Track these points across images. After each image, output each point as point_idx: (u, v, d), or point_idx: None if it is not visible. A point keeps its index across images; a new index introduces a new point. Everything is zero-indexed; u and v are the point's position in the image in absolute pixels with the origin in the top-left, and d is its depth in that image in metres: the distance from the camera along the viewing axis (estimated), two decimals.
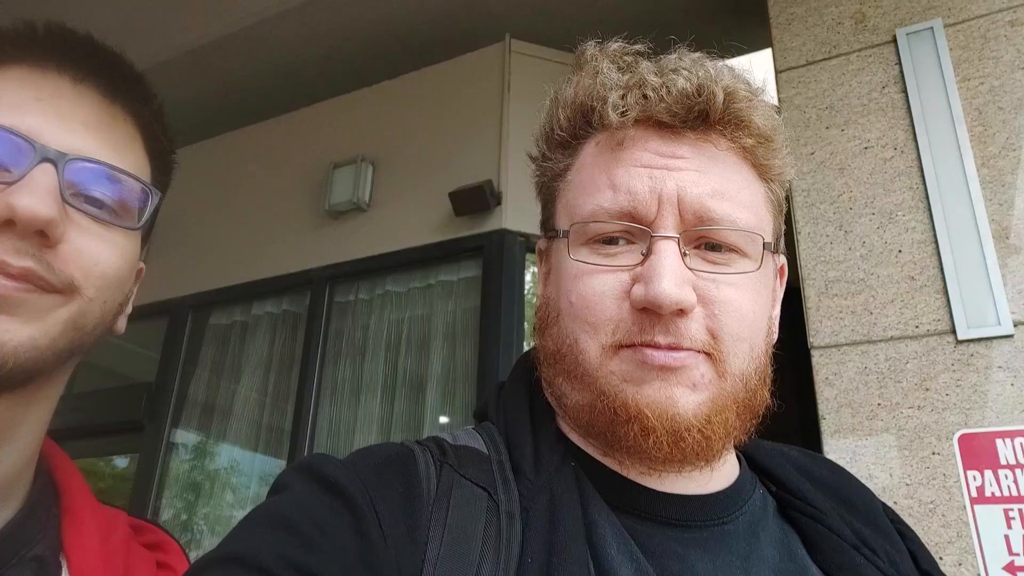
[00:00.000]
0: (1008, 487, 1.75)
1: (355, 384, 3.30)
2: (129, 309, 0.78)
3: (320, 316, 3.45)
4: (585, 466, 0.69)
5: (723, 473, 0.72)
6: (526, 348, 2.97)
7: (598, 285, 0.67)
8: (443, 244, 3.22)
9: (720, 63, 0.72)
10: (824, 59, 2.40)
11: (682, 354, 0.64)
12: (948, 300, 1.98)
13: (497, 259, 3.04)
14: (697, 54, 0.73)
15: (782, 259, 0.77)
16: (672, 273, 0.63)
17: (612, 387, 0.65)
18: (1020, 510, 1.72)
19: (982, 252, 1.97)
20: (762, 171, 0.72)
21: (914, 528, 1.81)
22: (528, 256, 3.11)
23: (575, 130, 0.75)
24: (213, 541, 3.40)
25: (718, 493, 0.70)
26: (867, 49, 2.34)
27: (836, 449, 1.99)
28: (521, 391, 0.77)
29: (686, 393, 0.64)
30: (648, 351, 0.64)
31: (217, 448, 3.63)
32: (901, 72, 2.25)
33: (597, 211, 0.68)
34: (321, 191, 3.62)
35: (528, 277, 3.09)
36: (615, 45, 0.76)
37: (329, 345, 3.41)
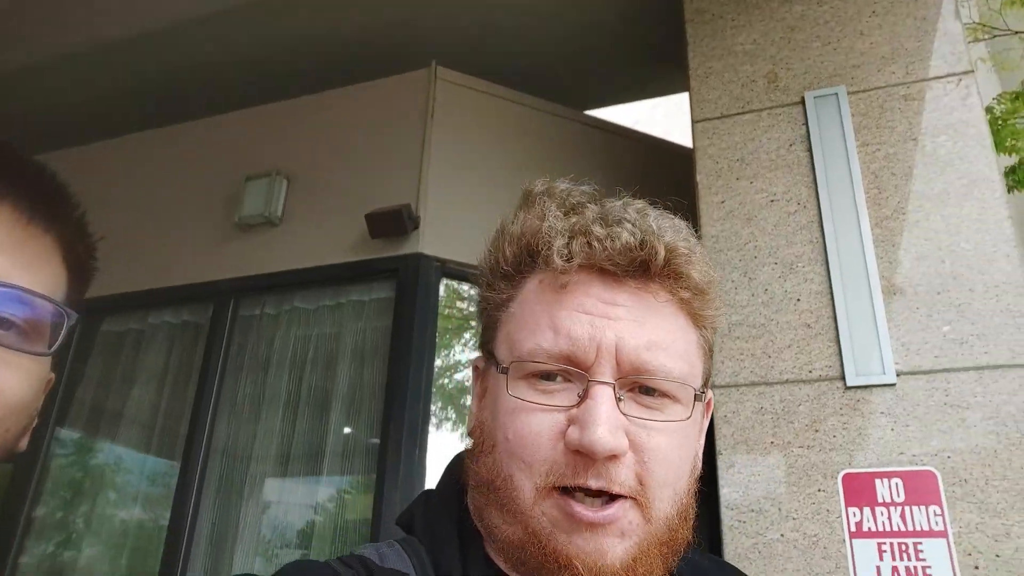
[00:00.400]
0: (883, 523, 1.90)
1: (256, 399, 3.23)
2: (34, 424, 0.73)
3: (223, 329, 3.37)
4: None
5: None
6: (437, 367, 3.02)
7: (535, 424, 0.69)
8: (356, 264, 3.22)
9: (662, 214, 0.76)
10: (738, 113, 2.56)
11: (612, 510, 0.67)
12: (840, 348, 2.13)
13: (412, 282, 3.06)
14: (641, 203, 0.77)
15: (710, 394, 0.81)
16: (607, 420, 0.66)
17: (543, 530, 0.67)
18: (891, 544, 1.87)
19: (872, 305, 2.14)
20: (696, 320, 0.76)
21: (797, 559, 1.94)
22: (443, 280, 3.15)
23: (520, 265, 0.77)
24: (90, 539, 3.27)
25: None
26: (777, 108, 2.52)
27: (730, 483, 2.10)
28: (450, 509, 0.79)
29: (615, 543, 0.67)
30: (578, 508, 0.67)
31: (101, 452, 3.49)
32: (807, 132, 2.43)
33: (536, 351, 0.70)
34: (232, 203, 3.55)
35: (442, 294, 3.12)
36: (563, 186, 0.80)
37: (230, 359, 3.34)
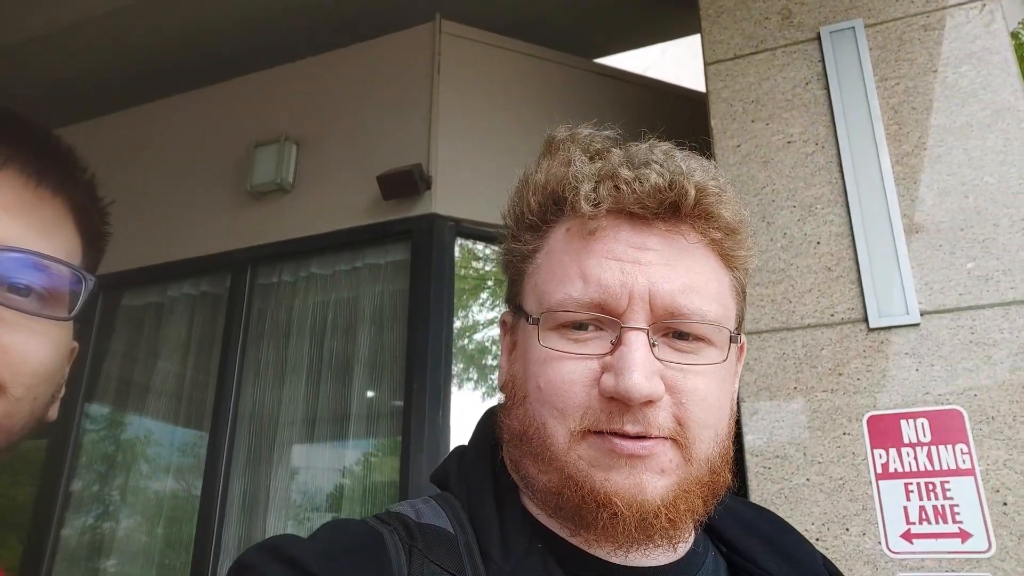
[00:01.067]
0: (909, 463, 1.91)
1: (279, 367, 3.30)
2: (62, 393, 0.75)
3: (242, 298, 3.43)
4: (552, 546, 0.72)
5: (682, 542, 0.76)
6: (456, 327, 3.06)
7: (567, 372, 0.69)
8: (370, 227, 3.24)
9: (689, 155, 0.76)
10: (751, 53, 2.52)
11: (650, 442, 0.67)
12: (862, 290, 2.13)
13: (426, 243, 3.08)
14: (666, 145, 0.77)
15: (743, 338, 0.81)
16: (642, 366, 0.66)
17: (580, 472, 0.68)
18: (917, 484, 1.89)
19: (894, 245, 2.12)
20: (728, 261, 0.76)
21: (824, 503, 1.96)
22: (458, 240, 3.16)
23: (545, 215, 0.77)
24: (126, 511, 3.39)
25: (677, 562, 0.74)
26: (792, 45, 2.48)
27: (754, 430, 2.12)
28: (484, 464, 0.79)
29: (654, 479, 0.67)
30: (616, 440, 0.67)
31: (131, 425, 3.60)
32: (824, 69, 2.39)
33: (567, 300, 0.70)
34: (243, 170, 3.57)
35: (457, 254, 3.15)
36: (585, 132, 0.79)
37: (251, 327, 3.40)
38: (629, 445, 0.66)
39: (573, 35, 3.78)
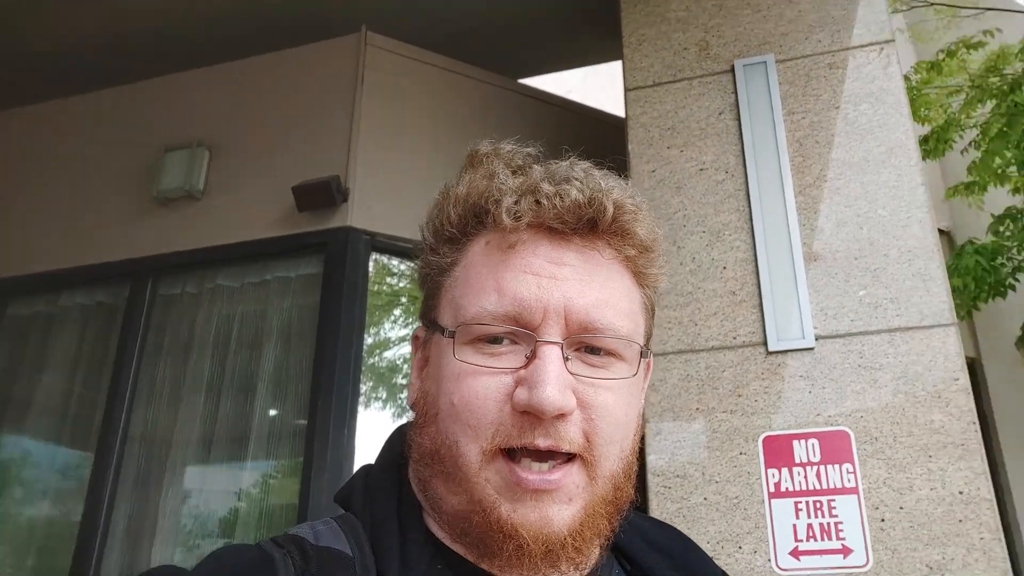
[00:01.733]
0: (799, 482, 2.10)
1: (176, 384, 3.32)
2: None
3: (141, 309, 3.44)
4: (456, 569, 0.75)
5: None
6: (366, 344, 3.16)
7: (481, 388, 0.72)
8: (283, 239, 3.32)
9: (607, 174, 0.83)
10: (669, 82, 2.75)
11: (556, 475, 0.71)
12: (763, 315, 2.33)
13: (340, 257, 3.18)
14: (586, 163, 0.83)
15: (651, 356, 0.87)
16: (556, 379, 0.70)
17: (488, 498, 0.71)
18: (806, 502, 2.08)
19: (794, 272, 2.34)
20: (640, 279, 0.82)
21: (719, 521, 2.13)
22: (373, 255, 3.28)
23: (465, 227, 0.81)
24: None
25: None
26: (708, 76, 2.71)
27: (656, 450, 2.28)
28: (390, 484, 0.82)
29: (561, 510, 0.71)
30: (522, 474, 0.71)
31: (6, 445, 3.55)
32: (736, 100, 2.62)
33: (482, 314, 0.74)
34: (150, 175, 3.61)
35: (371, 269, 3.26)
36: (508, 147, 0.85)
37: (149, 341, 3.41)
38: (535, 480, 0.70)
39: (500, 54, 3.97)
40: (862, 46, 2.52)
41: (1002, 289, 5.57)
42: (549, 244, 0.76)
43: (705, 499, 2.18)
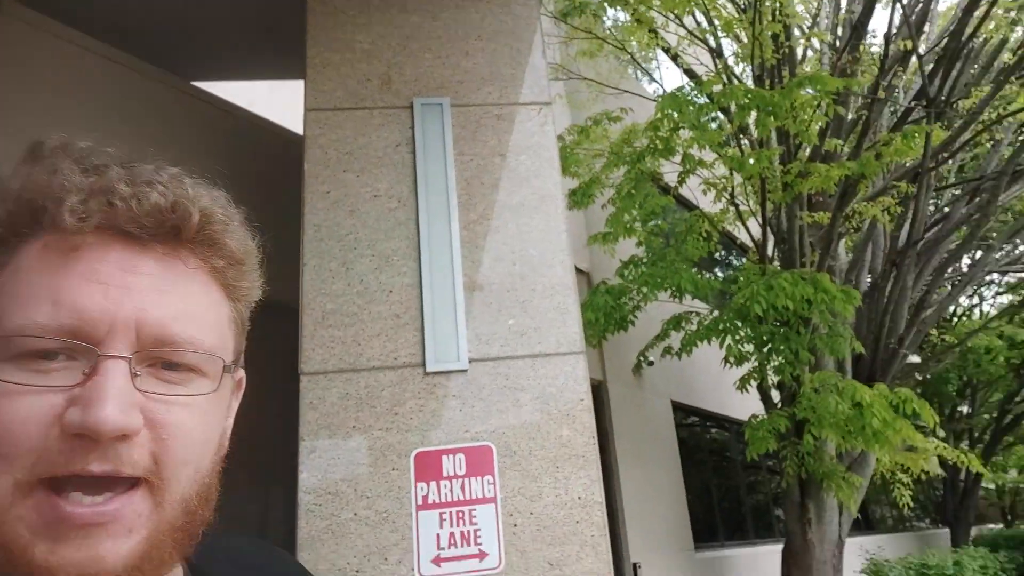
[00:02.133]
0: (445, 494, 2.29)
1: None
2: None
3: None
4: None
5: None
6: None
7: (22, 410, 0.63)
8: None
9: (199, 183, 0.77)
10: (351, 108, 2.86)
11: (113, 505, 0.63)
12: (423, 337, 2.50)
13: None
14: (176, 170, 0.77)
15: (241, 373, 0.84)
16: (117, 396, 0.63)
17: (18, 540, 0.61)
18: (451, 512, 2.27)
19: (454, 299, 2.55)
20: (230, 291, 0.77)
21: (368, 535, 2.24)
22: None
23: (17, 227, 0.71)
24: None
25: None
26: (388, 109, 2.87)
27: (310, 468, 2.32)
28: None
29: (118, 545, 0.63)
30: (68, 508, 0.62)
31: None
32: (413, 136, 2.81)
33: (29, 326, 0.65)
34: None
35: None
36: (84, 144, 0.76)
37: None
38: (84, 513, 0.62)
39: (174, 53, 3.82)
40: (525, 104, 2.84)
41: (625, 324, 6.50)
42: (123, 250, 0.69)
43: (355, 514, 2.28)
